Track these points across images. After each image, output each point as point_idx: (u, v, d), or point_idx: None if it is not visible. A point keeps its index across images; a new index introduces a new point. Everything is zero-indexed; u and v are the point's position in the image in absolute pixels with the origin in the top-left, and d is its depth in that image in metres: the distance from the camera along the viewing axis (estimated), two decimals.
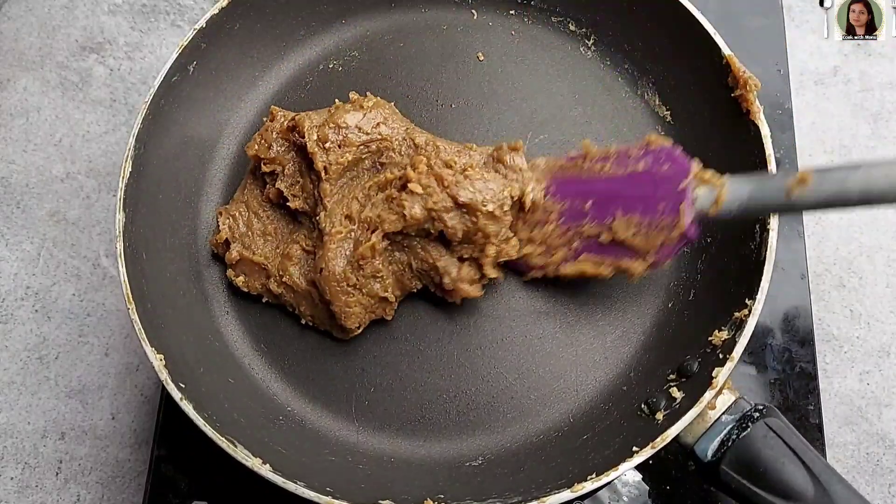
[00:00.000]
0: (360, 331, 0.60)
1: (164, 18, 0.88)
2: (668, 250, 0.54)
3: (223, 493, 0.64)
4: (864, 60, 0.85)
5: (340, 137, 0.59)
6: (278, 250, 0.61)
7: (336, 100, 0.63)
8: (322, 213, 0.59)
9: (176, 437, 0.66)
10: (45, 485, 0.72)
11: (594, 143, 0.60)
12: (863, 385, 0.74)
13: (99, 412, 0.74)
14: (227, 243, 0.62)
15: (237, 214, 0.63)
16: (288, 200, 0.60)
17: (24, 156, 0.82)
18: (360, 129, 0.60)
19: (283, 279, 0.59)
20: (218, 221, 0.63)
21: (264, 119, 0.63)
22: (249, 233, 0.62)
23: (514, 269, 0.62)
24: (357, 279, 0.57)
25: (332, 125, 0.59)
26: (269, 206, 0.63)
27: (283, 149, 0.61)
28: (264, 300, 0.62)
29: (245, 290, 0.61)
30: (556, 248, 0.58)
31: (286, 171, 0.61)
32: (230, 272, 0.62)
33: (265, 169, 0.61)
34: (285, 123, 0.61)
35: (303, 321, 0.61)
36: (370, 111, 0.61)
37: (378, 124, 0.60)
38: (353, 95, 0.63)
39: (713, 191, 0.51)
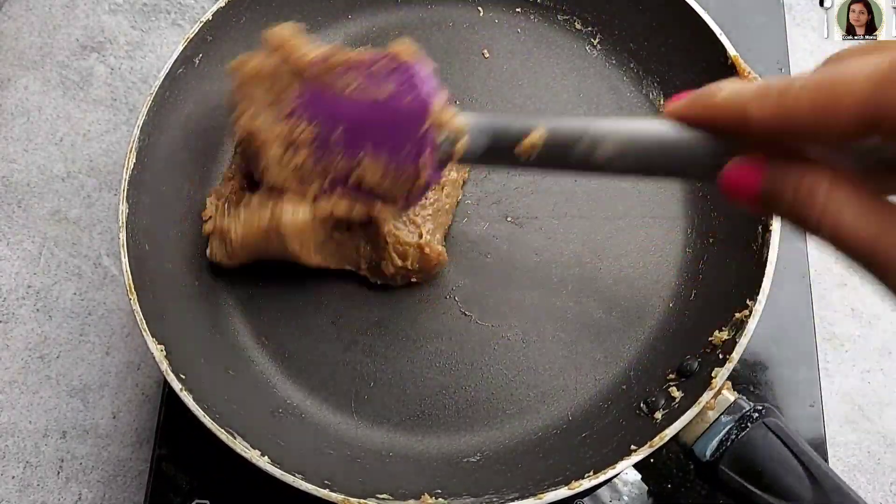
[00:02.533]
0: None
1: (165, 18, 0.88)
2: (415, 197, 0.52)
3: (225, 491, 0.64)
4: None
5: None
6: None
7: None
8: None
9: (177, 436, 0.66)
10: (46, 484, 0.72)
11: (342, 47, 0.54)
12: (864, 384, 0.74)
13: (100, 411, 0.74)
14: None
15: (223, 191, 0.62)
16: None
17: (25, 155, 0.82)
18: None
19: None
20: (207, 201, 0.63)
21: None
22: (233, 207, 0.61)
23: None
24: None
25: None
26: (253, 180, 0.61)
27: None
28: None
29: (220, 259, 0.60)
30: (311, 180, 0.54)
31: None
32: (208, 249, 0.61)
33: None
34: None
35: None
36: None
37: None
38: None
39: (453, 136, 0.47)
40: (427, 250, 0.59)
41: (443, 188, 0.62)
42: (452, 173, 0.63)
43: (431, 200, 0.61)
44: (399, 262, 0.59)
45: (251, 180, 0.61)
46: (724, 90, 0.33)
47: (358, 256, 0.61)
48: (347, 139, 0.52)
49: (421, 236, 0.59)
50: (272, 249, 0.58)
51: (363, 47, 0.70)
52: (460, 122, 0.47)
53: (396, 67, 0.50)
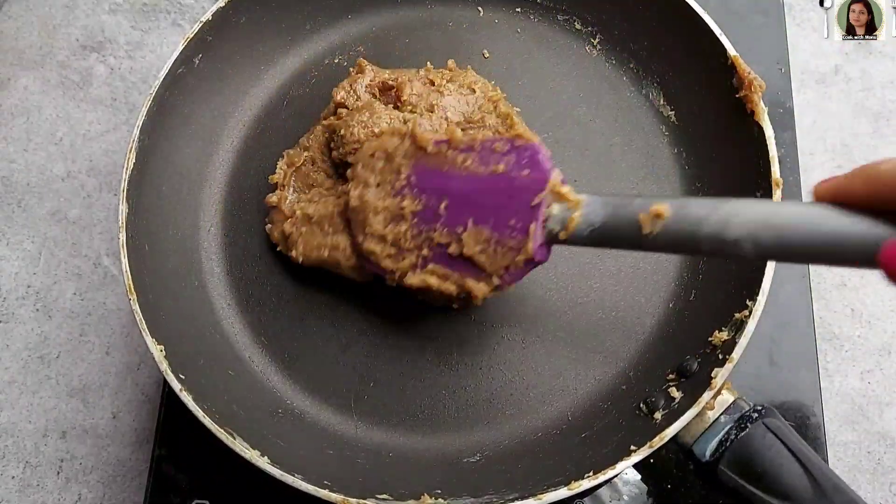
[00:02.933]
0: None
1: (165, 17, 0.88)
2: (515, 274, 0.49)
3: (225, 491, 0.64)
4: (865, 59, 0.85)
5: (439, 119, 0.60)
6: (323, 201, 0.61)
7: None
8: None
9: (177, 437, 0.66)
10: (46, 484, 0.72)
11: (459, 131, 0.54)
12: (864, 384, 0.74)
13: (100, 411, 0.74)
14: (275, 187, 0.63)
15: (296, 159, 0.63)
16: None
17: (25, 155, 0.82)
18: (463, 116, 0.61)
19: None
20: (277, 164, 0.64)
21: (351, 70, 0.65)
22: (300, 181, 0.63)
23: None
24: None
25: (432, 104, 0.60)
26: (329, 157, 0.63)
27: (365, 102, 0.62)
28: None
29: (286, 254, 0.61)
30: (406, 253, 0.54)
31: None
32: (272, 235, 0.62)
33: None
34: (377, 80, 0.63)
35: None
36: (471, 94, 0.61)
37: (483, 116, 0.61)
38: (451, 64, 0.65)
39: (567, 211, 0.46)
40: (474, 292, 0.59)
41: None
42: None
43: None
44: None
45: (325, 156, 0.63)
46: (888, 162, 0.32)
47: None
48: (452, 210, 0.51)
49: None
50: (330, 270, 0.60)
51: (362, 47, 0.71)
52: (577, 196, 0.46)
53: (518, 146, 0.50)
